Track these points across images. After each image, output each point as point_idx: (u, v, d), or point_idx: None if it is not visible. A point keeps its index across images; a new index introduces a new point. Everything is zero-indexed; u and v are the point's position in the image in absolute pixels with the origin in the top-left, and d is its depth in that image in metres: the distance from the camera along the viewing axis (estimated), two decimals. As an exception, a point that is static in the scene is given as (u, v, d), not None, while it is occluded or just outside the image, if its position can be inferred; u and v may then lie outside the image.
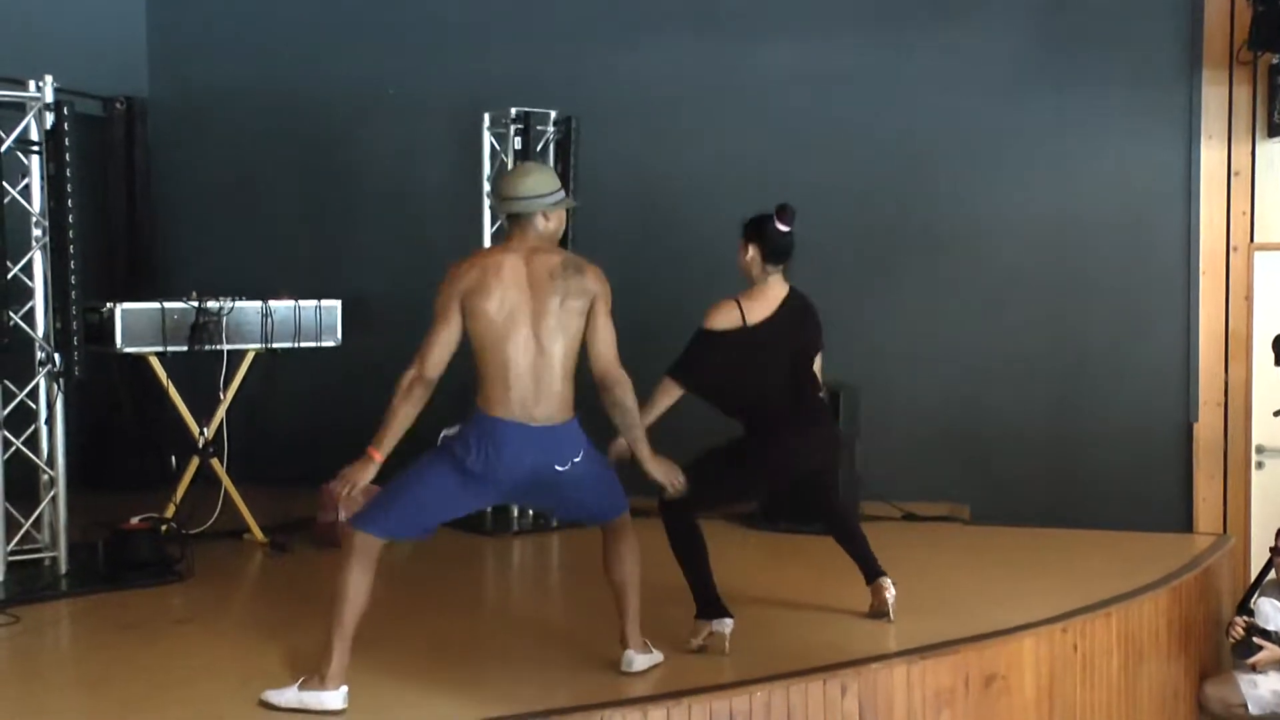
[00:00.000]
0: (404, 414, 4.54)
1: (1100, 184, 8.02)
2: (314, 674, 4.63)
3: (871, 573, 5.69)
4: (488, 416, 4.57)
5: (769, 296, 5.35)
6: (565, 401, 4.65)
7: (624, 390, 4.74)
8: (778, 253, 5.35)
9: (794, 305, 5.40)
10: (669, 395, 5.29)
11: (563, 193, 4.80)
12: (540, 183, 4.74)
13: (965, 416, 8.12)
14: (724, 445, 5.45)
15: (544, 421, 4.59)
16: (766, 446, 5.37)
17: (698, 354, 5.33)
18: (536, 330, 4.59)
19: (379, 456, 4.58)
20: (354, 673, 4.80)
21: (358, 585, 4.62)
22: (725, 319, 5.31)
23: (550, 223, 4.74)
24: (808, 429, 5.45)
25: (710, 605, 5.30)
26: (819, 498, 5.74)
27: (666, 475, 4.91)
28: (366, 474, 4.60)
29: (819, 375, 5.60)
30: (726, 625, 5.25)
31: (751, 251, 5.37)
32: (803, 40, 8.35)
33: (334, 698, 4.60)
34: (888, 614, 5.60)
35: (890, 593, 5.61)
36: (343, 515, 7.19)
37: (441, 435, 4.68)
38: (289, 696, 4.63)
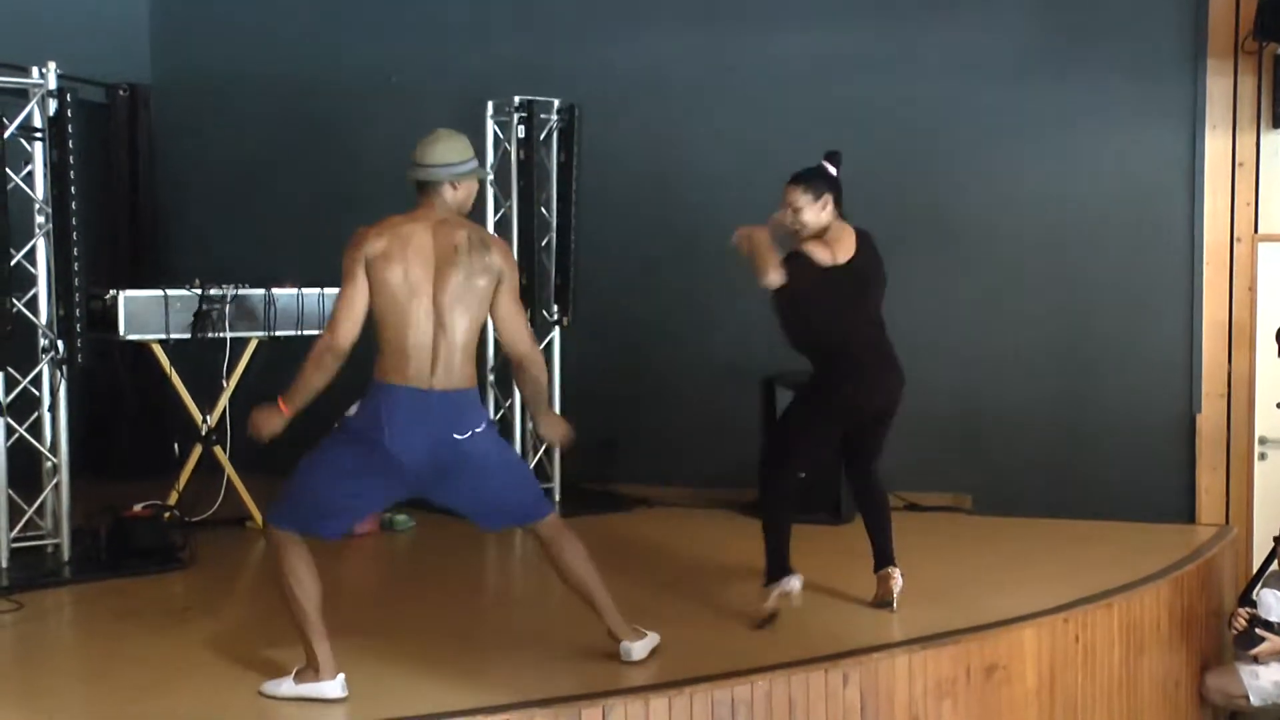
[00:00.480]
0: (314, 380, 4.53)
1: (1104, 174, 8.00)
2: (306, 666, 4.63)
3: (883, 559, 5.70)
4: (383, 384, 4.54)
5: (848, 236, 5.47)
6: (465, 374, 4.59)
7: (539, 368, 4.74)
8: (840, 198, 5.50)
9: (867, 245, 5.52)
10: (776, 272, 5.29)
11: (474, 162, 4.71)
12: (449, 150, 4.66)
13: (968, 406, 8.11)
14: (800, 394, 5.59)
15: (441, 388, 4.53)
16: (841, 383, 5.44)
17: (803, 275, 5.33)
18: (437, 304, 4.53)
19: (286, 410, 4.58)
20: (355, 661, 4.82)
21: (298, 577, 4.59)
22: (823, 253, 5.36)
23: (458, 193, 4.67)
24: (881, 367, 5.54)
25: (779, 569, 5.46)
26: (865, 454, 5.72)
27: (558, 432, 4.90)
28: (273, 423, 4.60)
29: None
30: (794, 583, 5.44)
31: (829, 203, 5.44)
32: (807, 29, 8.33)
33: (332, 686, 4.59)
34: (891, 604, 5.60)
35: (897, 583, 5.62)
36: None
37: (343, 417, 4.65)
38: (286, 688, 4.63)
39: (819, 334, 5.46)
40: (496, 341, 4.53)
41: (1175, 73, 7.84)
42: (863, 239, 5.51)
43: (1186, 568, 6.44)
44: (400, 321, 4.51)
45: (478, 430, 4.61)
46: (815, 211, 5.42)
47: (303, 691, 4.61)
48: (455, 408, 4.57)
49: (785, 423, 5.53)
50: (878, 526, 5.74)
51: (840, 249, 5.41)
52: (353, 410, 4.62)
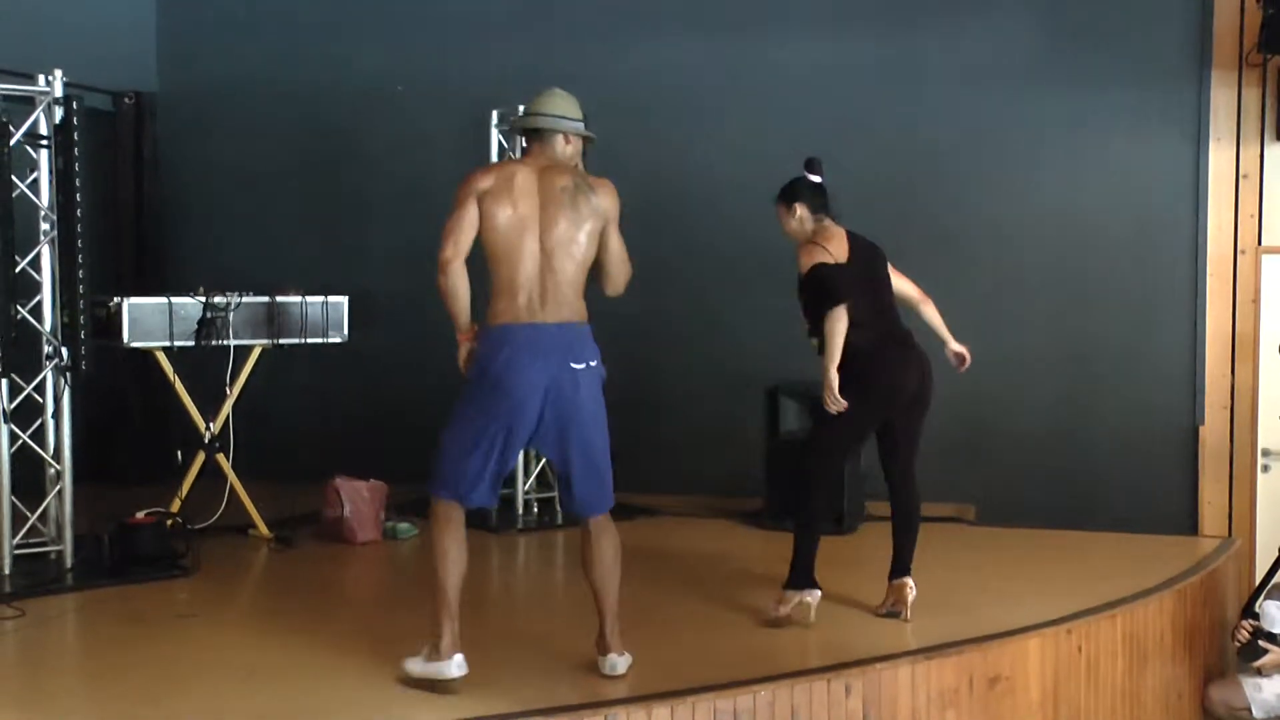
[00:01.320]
0: (457, 288, 4.64)
1: (1108, 185, 8.01)
2: (432, 645, 4.69)
3: (900, 568, 5.73)
4: (495, 325, 4.65)
5: (839, 238, 5.56)
6: (576, 309, 4.73)
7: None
8: (821, 203, 5.60)
9: (861, 249, 5.61)
10: (841, 323, 5.41)
11: (583, 124, 4.90)
12: (568, 105, 4.89)
13: (971, 417, 8.09)
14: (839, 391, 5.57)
15: (554, 320, 4.66)
16: (871, 370, 5.49)
17: (841, 281, 5.44)
18: (545, 245, 4.67)
19: (464, 336, 4.73)
20: (358, 669, 4.82)
21: (447, 556, 4.69)
22: (824, 255, 5.48)
23: (569, 146, 4.87)
24: (903, 351, 5.63)
25: (804, 576, 5.50)
26: (904, 448, 5.76)
27: None
28: (463, 354, 4.75)
29: (905, 285, 5.84)
30: (815, 595, 5.48)
31: (799, 211, 5.58)
32: (812, 37, 8.35)
33: (448, 666, 4.65)
34: (902, 614, 5.62)
35: (911, 593, 5.65)
36: (347, 510, 7.23)
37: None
38: (416, 666, 4.72)
39: (853, 327, 5.48)
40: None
41: (1180, 84, 7.85)
42: (857, 243, 5.62)
43: (1189, 579, 6.43)
44: (511, 259, 4.64)
45: (592, 364, 4.73)
46: (789, 222, 5.62)
47: (427, 671, 4.68)
48: (569, 338, 4.69)
49: (826, 421, 5.54)
50: (905, 533, 5.78)
51: (834, 247, 5.51)
52: (474, 357, 4.71)
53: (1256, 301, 7.78)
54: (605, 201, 4.79)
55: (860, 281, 5.52)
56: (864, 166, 8.22)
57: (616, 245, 4.83)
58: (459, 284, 4.65)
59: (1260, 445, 7.80)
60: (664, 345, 8.39)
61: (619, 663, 4.85)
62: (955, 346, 5.91)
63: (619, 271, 4.86)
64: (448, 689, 4.66)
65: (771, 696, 4.69)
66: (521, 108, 7.57)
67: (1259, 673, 6.37)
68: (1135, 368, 7.95)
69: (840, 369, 5.46)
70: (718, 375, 8.34)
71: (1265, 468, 7.81)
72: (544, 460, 7.99)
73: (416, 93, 9.00)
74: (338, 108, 9.15)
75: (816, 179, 5.61)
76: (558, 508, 7.93)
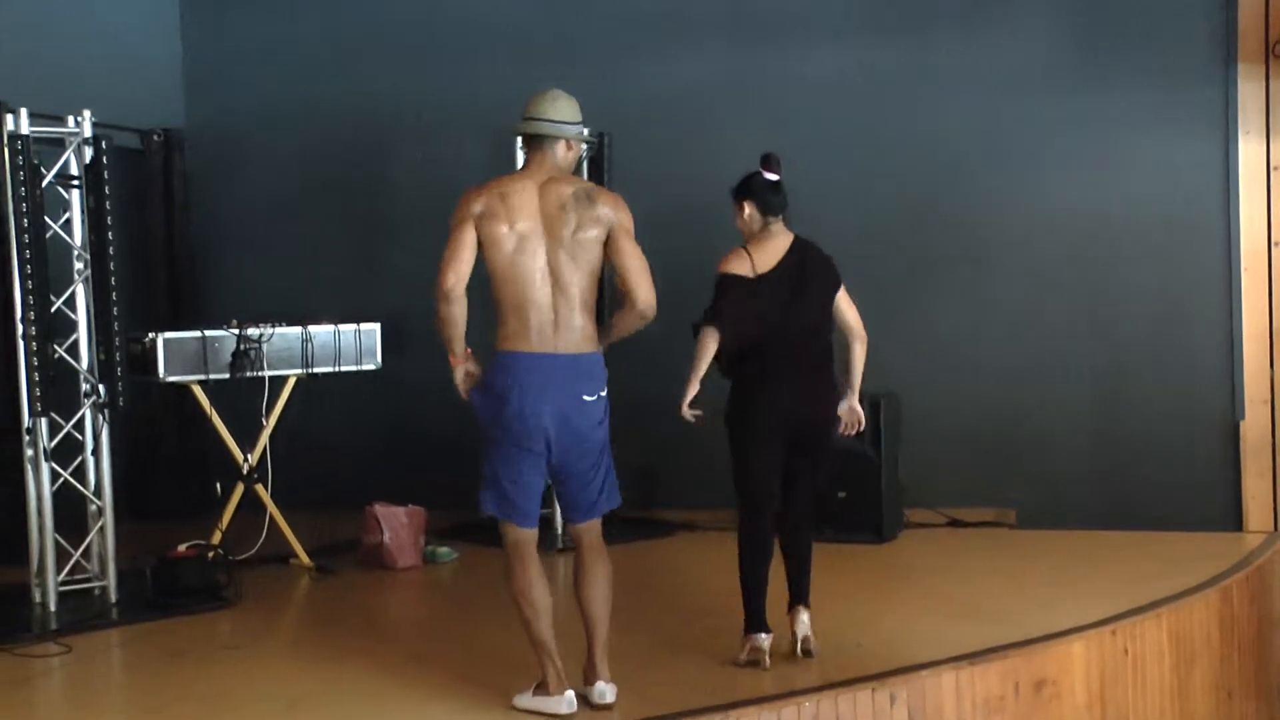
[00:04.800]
0: (457, 316, 4.56)
1: (1138, 183, 7.96)
2: (541, 683, 4.69)
3: (796, 597, 5.36)
4: (507, 353, 4.58)
5: (773, 247, 5.29)
6: (586, 334, 4.63)
7: (644, 319, 4.69)
8: (771, 204, 5.31)
9: (798, 256, 5.30)
10: (712, 342, 5.21)
11: (584, 127, 4.78)
12: (570, 109, 4.74)
13: (1008, 420, 8.06)
14: (727, 423, 5.34)
15: (566, 351, 4.57)
16: (747, 395, 5.25)
17: (729, 297, 5.24)
18: (552, 262, 4.57)
19: (458, 360, 4.66)
20: (404, 698, 4.82)
21: (525, 594, 4.64)
22: (739, 265, 5.26)
23: (570, 153, 4.75)
24: (803, 380, 5.25)
25: (750, 621, 5.22)
26: (797, 485, 5.34)
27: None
28: (459, 377, 4.70)
29: (848, 312, 5.38)
30: (762, 641, 5.18)
31: (747, 209, 5.33)
32: (835, 45, 8.34)
33: (557, 703, 4.63)
34: (810, 650, 5.24)
35: (803, 624, 5.27)
36: (386, 536, 7.24)
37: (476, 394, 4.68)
38: (525, 700, 4.71)
39: (740, 342, 5.25)
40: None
41: (1207, 80, 7.81)
42: (796, 248, 5.30)
43: (1235, 576, 6.37)
44: (516, 282, 4.55)
45: (602, 394, 4.67)
46: (738, 218, 5.37)
47: (536, 705, 4.67)
48: (581, 370, 4.62)
49: (732, 458, 5.29)
50: (791, 565, 5.39)
51: (761, 257, 5.25)
52: (481, 385, 4.66)
53: (1292, 294, 7.72)
54: (610, 210, 4.66)
55: (774, 297, 5.21)
56: (887, 177, 8.22)
57: (631, 251, 4.65)
58: (459, 312, 4.55)
59: (1302, 439, 7.73)
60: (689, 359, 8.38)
61: (608, 691, 4.72)
62: (853, 403, 5.38)
63: (641, 282, 4.63)
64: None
65: (816, 709, 4.67)
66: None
67: None
68: (1173, 366, 7.89)
69: (732, 388, 5.28)
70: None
71: (1308, 461, 7.74)
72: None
73: (441, 118, 9.03)
74: (363, 134, 9.19)
75: (773, 177, 5.32)
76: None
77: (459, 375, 4.71)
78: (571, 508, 4.82)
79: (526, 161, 4.78)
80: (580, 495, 4.77)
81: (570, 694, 4.64)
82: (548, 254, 4.58)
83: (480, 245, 4.57)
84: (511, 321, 4.59)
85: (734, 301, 5.23)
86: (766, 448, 5.24)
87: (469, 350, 4.69)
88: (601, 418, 4.71)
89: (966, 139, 8.17)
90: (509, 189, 4.62)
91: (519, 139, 4.82)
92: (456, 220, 4.60)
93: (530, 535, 4.71)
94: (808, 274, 5.31)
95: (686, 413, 5.18)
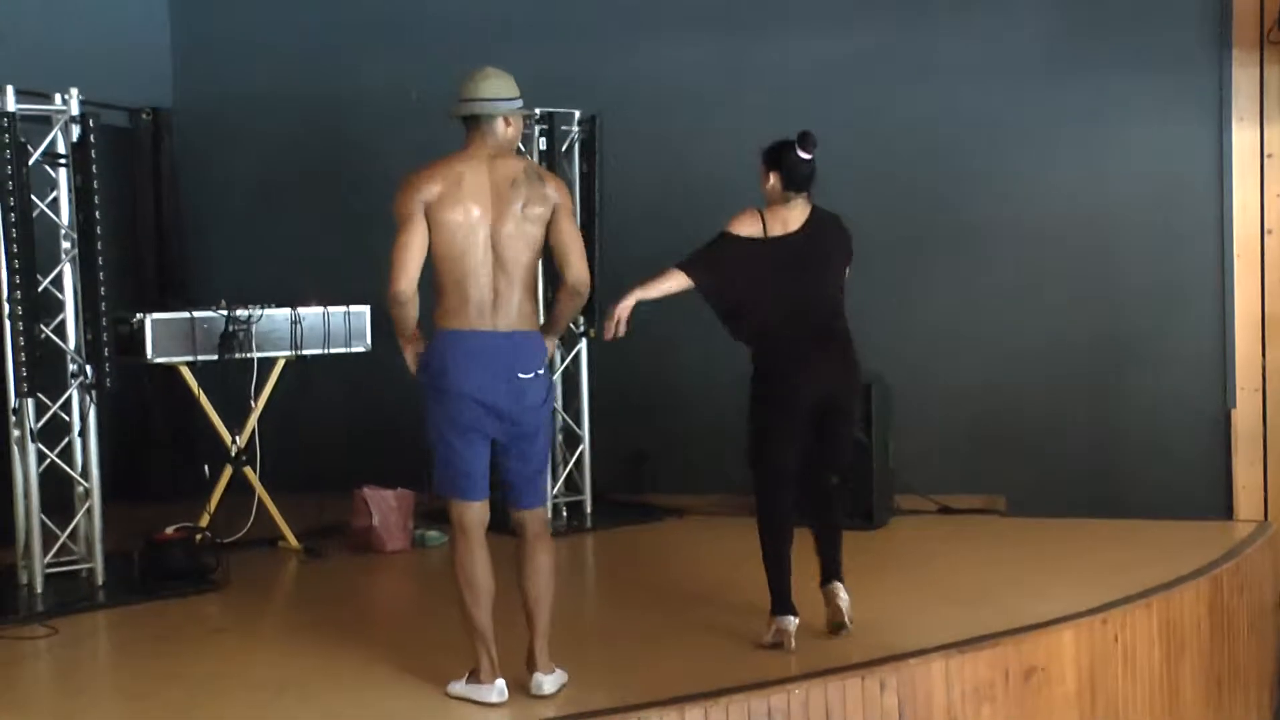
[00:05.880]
0: (408, 317, 4.61)
1: (1130, 169, 7.95)
2: (473, 670, 4.67)
3: (829, 574, 5.38)
4: (446, 331, 4.57)
5: (790, 217, 5.29)
6: (525, 313, 4.62)
7: (582, 299, 4.78)
8: (798, 180, 5.30)
9: (816, 226, 5.31)
10: (673, 280, 5.23)
11: (521, 100, 4.74)
12: (503, 86, 4.69)
13: (999, 407, 8.06)
14: (750, 395, 5.35)
15: (504, 328, 4.57)
16: (774, 371, 5.24)
17: (712, 251, 5.26)
18: (496, 240, 4.55)
19: (407, 342, 4.70)
20: (393, 681, 4.81)
21: (469, 577, 4.65)
22: (748, 226, 5.26)
23: (510, 129, 4.71)
24: (818, 350, 5.25)
25: (777, 604, 5.23)
26: (826, 457, 5.36)
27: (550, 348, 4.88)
28: (409, 358, 4.72)
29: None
30: (790, 623, 5.19)
31: (773, 179, 5.33)
32: (827, 28, 8.30)
33: (489, 691, 4.63)
34: (845, 625, 5.29)
35: (844, 600, 5.32)
36: (375, 519, 7.22)
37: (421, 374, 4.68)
38: (458, 687, 4.70)
39: (742, 316, 5.27)
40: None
41: (1200, 65, 7.79)
42: (815, 219, 5.31)
43: (1226, 565, 6.36)
44: (458, 262, 4.54)
45: (540, 372, 4.65)
46: (764, 184, 5.35)
47: (467, 693, 4.66)
48: (519, 348, 4.60)
49: (748, 428, 5.29)
50: (823, 541, 5.40)
51: (773, 222, 5.26)
52: (422, 364, 4.66)
53: (1286, 282, 7.71)
54: (555, 191, 4.67)
55: (789, 263, 5.20)
56: (879, 163, 8.18)
57: (571, 231, 4.69)
58: (411, 312, 4.59)
59: (1294, 427, 7.73)
60: (687, 343, 8.35)
61: (545, 682, 4.69)
62: None
63: (576, 260, 4.67)
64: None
65: (805, 696, 4.66)
66: (538, 110, 7.69)
67: None
68: (1164, 353, 7.88)
69: (755, 365, 5.28)
70: (743, 372, 8.29)
71: (1300, 449, 7.74)
72: (569, 464, 7.98)
73: (432, 99, 8.95)
74: (354, 117, 9.14)
75: (806, 156, 5.28)
76: (586, 510, 7.96)
77: (409, 356, 4.72)
78: (513, 490, 4.78)
79: (468, 142, 4.71)
80: (520, 477, 4.73)
81: (501, 683, 4.62)
82: (492, 231, 4.56)
83: (429, 229, 4.54)
84: (451, 298, 4.57)
85: (718, 258, 5.23)
86: (790, 426, 5.24)
87: (417, 332, 4.69)
88: (543, 398, 4.70)
89: (960, 125, 8.14)
90: (458, 171, 4.58)
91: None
92: (406, 213, 4.55)
93: (479, 517, 4.70)
94: (828, 244, 5.34)
95: (612, 321, 5.17)
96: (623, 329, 5.20)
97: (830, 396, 5.29)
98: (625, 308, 5.20)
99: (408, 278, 4.53)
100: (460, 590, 4.67)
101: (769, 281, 5.22)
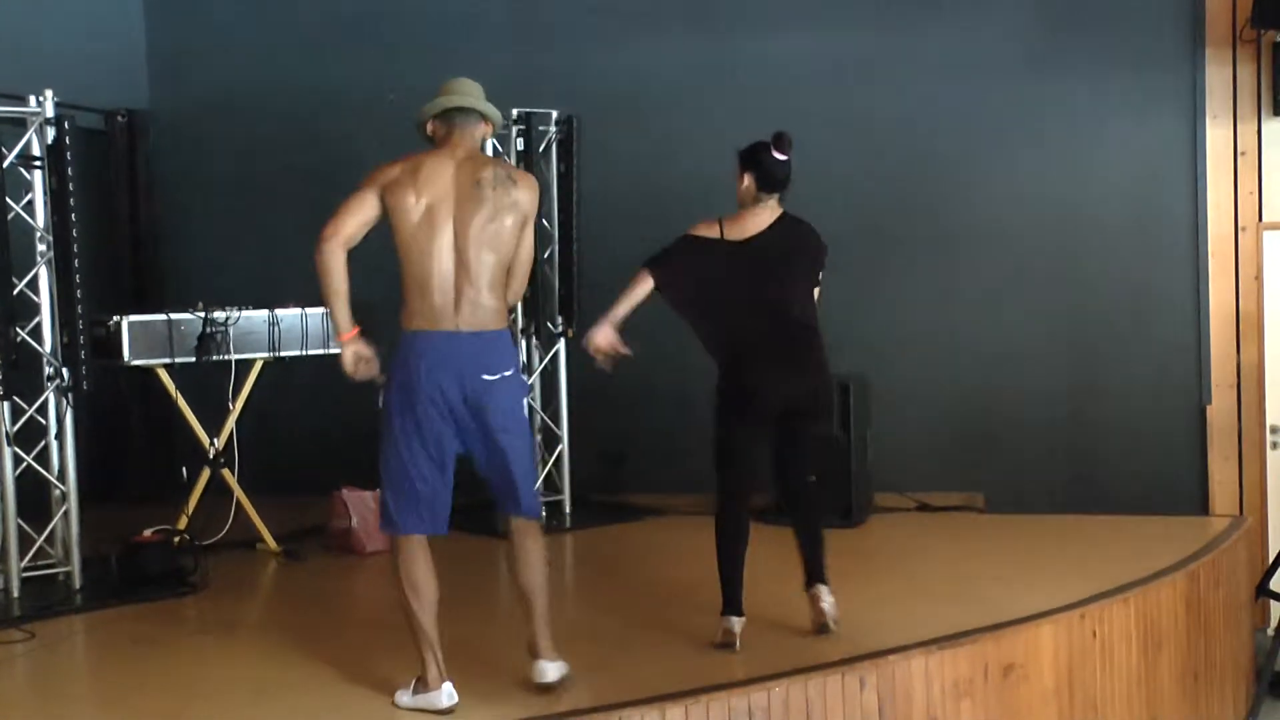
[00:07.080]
0: (330, 267, 4.54)
1: (1105, 167, 8.00)
2: (420, 677, 4.62)
3: (813, 576, 5.37)
4: (409, 332, 4.54)
5: (755, 221, 5.28)
6: (491, 312, 4.56)
7: (516, 298, 4.83)
8: (773, 182, 5.28)
9: (780, 230, 5.29)
10: (639, 287, 5.24)
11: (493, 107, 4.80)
12: (476, 89, 4.77)
13: (977, 405, 8.09)
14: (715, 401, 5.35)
15: (469, 328, 4.52)
16: (733, 375, 5.23)
17: (674, 250, 5.29)
18: (460, 243, 4.52)
19: (344, 336, 4.60)
20: (371, 683, 4.80)
21: (412, 582, 4.59)
22: (704, 229, 5.28)
23: (486, 131, 4.78)
24: (780, 353, 5.22)
25: (726, 603, 5.25)
26: (790, 464, 5.38)
27: None
28: (348, 357, 4.62)
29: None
30: (734, 624, 5.20)
31: (747, 180, 5.31)
32: (805, 32, 8.32)
33: (437, 697, 4.58)
34: (828, 626, 5.28)
35: (827, 603, 5.31)
36: (354, 521, 7.21)
37: (383, 381, 4.62)
38: (405, 699, 4.65)
39: (708, 320, 5.27)
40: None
41: (1174, 64, 7.84)
42: (781, 224, 5.29)
43: (1201, 560, 6.40)
44: (420, 258, 4.50)
45: (506, 374, 4.59)
46: (739, 184, 5.34)
47: (417, 702, 4.62)
48: (484, 348, 4.55)
49: (714, 438, 5.26)
50: (804, 543, 5.39)
51: (740, 226, 5.26)
52: (387, 369, 4.61)
53: (1259, 279, 7.76)
54: (526, 196, 4.63)
55: (749, 267, 5.19)
56: (858, 161, 8.21)
57: (528, 246, 4.68)
58: (331, 264, 4.49)
59: (1269, 422, 7.78)
60: (666, 343, 8.36)
61: (549, 668, 4.67)
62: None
63: (523, 276, 4.70)
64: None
65: (786, 694, 4.67)
66: (515, 111, 7.68)
67: None
68: (1140, 350, 7.93)
69: (720, 369, 5.26)
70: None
71: (1275, 445, 7.79)
72: (549, 463, 7.98)
73: (409, 100, 8.93)
74: (331, 118, 9.11)
75: (781, 157, 5.27)
76: (565, 510, 7.96)
77: (347, 356, 4.61)
78: (500, 495, 4.74)
79: (443, 140, 4.71)
80: (502, 481, 4.69)
81: (449, 686, 4.59)
82: (455, 231, 4.52)
83: (388, 216, 4.53)
84: (415, 299, 4.54)
85: (682, 257, 5.24)
86: (749, 430, 5.24)
87: (357, 329, 4.61)
88: (513, 403, 4.64)
89: (936, 124, 8.17)
90: (422, 162, 4.60)
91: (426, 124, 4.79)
92: (362, 184, 4.58)
93: (422, 539, 4.66)
94: (791, 248, 5.30)
95: (595, 344, 5.18)
96: (621, 350, 5.20)
97: (792, 399, 5.28)
98: (604, 337, 5.20)
99: (335, 225, 4.50)
100: (404, 595, 4.62)
101: (724, 283, 5.21)
